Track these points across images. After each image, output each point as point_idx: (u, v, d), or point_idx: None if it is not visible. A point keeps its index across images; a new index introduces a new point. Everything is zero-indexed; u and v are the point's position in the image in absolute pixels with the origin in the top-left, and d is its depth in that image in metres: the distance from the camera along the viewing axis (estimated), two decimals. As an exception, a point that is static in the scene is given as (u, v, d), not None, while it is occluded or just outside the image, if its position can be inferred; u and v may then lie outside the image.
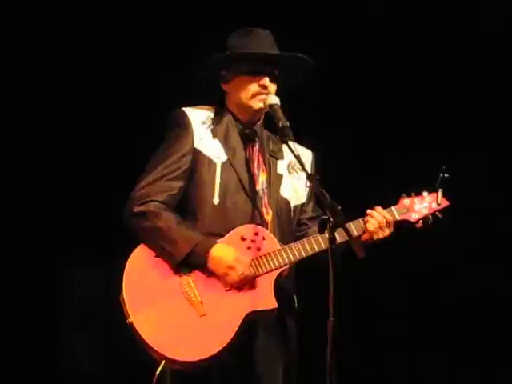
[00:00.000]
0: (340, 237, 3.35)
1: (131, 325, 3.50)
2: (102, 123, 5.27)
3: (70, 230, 5.32)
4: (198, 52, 3.78)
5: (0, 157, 5.24)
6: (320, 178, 3.33)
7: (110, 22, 5.23)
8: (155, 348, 3.48)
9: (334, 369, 3.08)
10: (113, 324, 4.89)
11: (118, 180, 4.41)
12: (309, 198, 3.82)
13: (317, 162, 3.86)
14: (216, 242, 3.56)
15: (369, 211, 3.65)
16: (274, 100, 3.61)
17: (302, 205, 3.80)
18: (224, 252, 3.54)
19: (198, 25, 5.15)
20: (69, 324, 5.46)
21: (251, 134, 3.74)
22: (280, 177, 3.75)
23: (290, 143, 3.43)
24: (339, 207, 3.21)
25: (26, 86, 5.24)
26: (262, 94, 3.65)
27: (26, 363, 5.29)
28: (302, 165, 3.42)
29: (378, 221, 3.61)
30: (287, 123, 3.49)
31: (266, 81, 3.66)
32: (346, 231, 3.24)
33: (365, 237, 3.63)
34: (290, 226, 3.75)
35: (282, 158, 3.79)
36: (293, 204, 3.76)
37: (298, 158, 3.43)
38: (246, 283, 3.53)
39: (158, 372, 3.52)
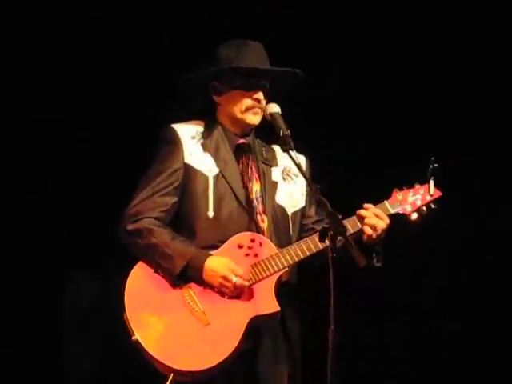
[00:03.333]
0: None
1: (136, 341, 3.52)
2: (99, 139, 5.22)
3: (68, 235, 5.29)
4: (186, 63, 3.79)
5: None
6: (320, 186, 3.34)
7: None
8: (163, 361, 3.50)
9: (335, 378, 3.09)
10: (111, 325, 4.94)
11: (115, 189, 4.41)
12: (309, 202, 3.82)
13: (311, 167, 3.85)
14: (210, 254, 3.58)
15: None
16: (275, 109, 3.61)
17: (302, 210, 3.80)
18: (217, 263, 3.55)
19: (188, 36, 5.09)
20: (68, 325, 5.45)
21: (243, 145, 3.74)
22: (275, 184, 3.76)
23: (292, 152, 3.46)
24: (340, 216, 3.23)
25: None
26: (255, 108, 3.66)
27: (25, 364, 5.28)
28: (303, 173, 3.45)
29: (373, 212, 3.62)
30: (288, 132, 3.50)
31: (260, 95, 3.67)
32: (347, 240, 3.24)
33: (366, 232, 3.60)
34: (288, 232, 3.75)
35: (275, 164, 3.80)
36: (290, 211, 3.76)
37: (299, 166, 3.46)
38: (244, 291, 3.55)
39: (166, 386, 3.55)
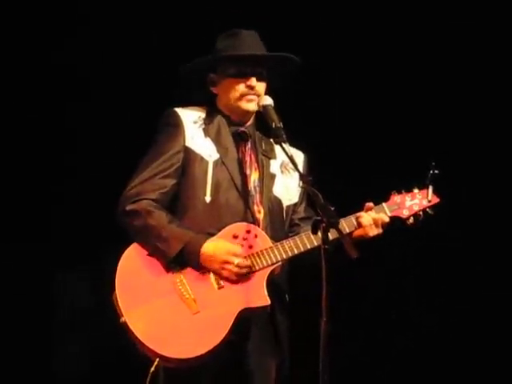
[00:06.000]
0: (332, 235, 3.31)
1: (124, 323, 3.52)
2: (93, 130, 5.27)
3: (58, 232, 5.33)
4: (188, 55, 3.79)
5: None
6: (313, 179, 3.34)
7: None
8: (149, 346, 3.49)
9: (326, 369, 3.09)
10: (103, 324, 4.94)
11: (107, 183, 4.44)
12: (301, 199, 3.84)
13: (308, 163, 3.87)
14: (207, 238, 3.56)
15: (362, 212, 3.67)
16: (268, 101, 3.63)
17: (295, 205, 3.82)
18: (216, 247, 3.55)
19: (188, 28, 5.16)
20: (60, 325, 5.46)
21: (243, 133, 3.76)
22: (273, 176, 3.77)
23: (283, 144, 3.46)
24: (332, 208, 3.22)
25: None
26: (249, 95, 3.68)
27: (17, 364, 5.28)
28: (294, 165, 3.45)
29: (372, 217, 3.64)
30: (280, 124, 3.51)
31: (252, 81, 3.67)
32: (339, 232, 3.25)
33: (358, 233, 3.65)
34: (282, 224, 3.77)
35: (274, 157, 3.82)
36: (285, 204, 3.79)
37: (291, 158, 3.46)
38: (241, 278, 3.54)
39: (151, 370, 3.52)
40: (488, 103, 5.28)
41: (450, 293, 5.33)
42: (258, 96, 3.69)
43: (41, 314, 5.35)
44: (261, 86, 3.70)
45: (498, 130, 5.27)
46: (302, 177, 3.44)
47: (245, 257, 3.57)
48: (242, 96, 3.69)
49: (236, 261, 3.53)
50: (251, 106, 3.69)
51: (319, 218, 3.21)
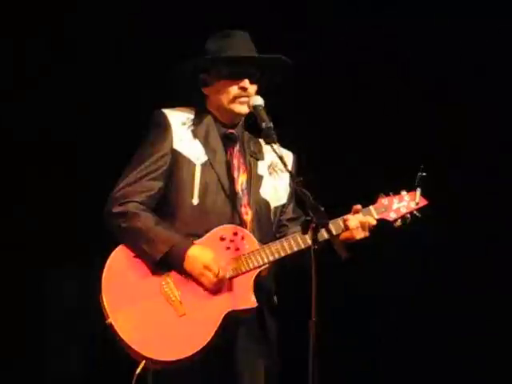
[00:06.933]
0: (320, 236, 3.34)
1: (110, 325, 3.51)
2: (80, 129, 5.26)
3: (49, 232, 5.30)
4: (179, 54, 3.79)
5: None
6: (303, 180, 3.34)
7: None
8: (135, 348, 3.49)
9: (316, 370, 3.09)
10: (94, 324, 4.92)
11: (96, 183, 4.43)
12: (289, 199, 3.83)
13: (298, 163, 3.87)
14: (193, 243, 3.57)
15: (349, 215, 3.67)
16: (258, 101, 3.62)
17: (283, 206, 3.82)
18: (200, 252, 3.55)
19: (178, 27, 5.17)
20: (51, 325, 5.43)
21: (231, 135, 3.76)
22: (260, 177, 3.77)
23: (274, 144, 3.47)
24: (322, 208, 3.23)
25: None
26: (242, 97, 3.67)
27: (9, 365, 5.26)
28: (285, 165, 3.45)
29: (359, 220, 3.63)
30: (271, 124, 3.51)
31: (245, 83, 3.67)
32: (329, 232, 3.26)
33: (345, 235, 3.64)
34: (270, 226, 3.76)
35: (262, 158, 3.81)
36: (273, 205, 3.78)
37: (281, 158, 3.46)
38: (223, 284, 3.54)
39: (137, 371, 3.51)
40: (477, 105, 5.33)
41: (440, 295, 5.35)
42: (249, 97, 3.67)
43: (32, 314, 5.33)
44: (253, 88, 3.70)
45: (489, 132, 5.33)
46: (292, 177, 3.44)
47: (232, 258, 3.57)
48: (235, 98, 3.68)
49: (217, 270, 3.52)
50: (243, 109, 3.69)
51: (309, 218, 3.22)
